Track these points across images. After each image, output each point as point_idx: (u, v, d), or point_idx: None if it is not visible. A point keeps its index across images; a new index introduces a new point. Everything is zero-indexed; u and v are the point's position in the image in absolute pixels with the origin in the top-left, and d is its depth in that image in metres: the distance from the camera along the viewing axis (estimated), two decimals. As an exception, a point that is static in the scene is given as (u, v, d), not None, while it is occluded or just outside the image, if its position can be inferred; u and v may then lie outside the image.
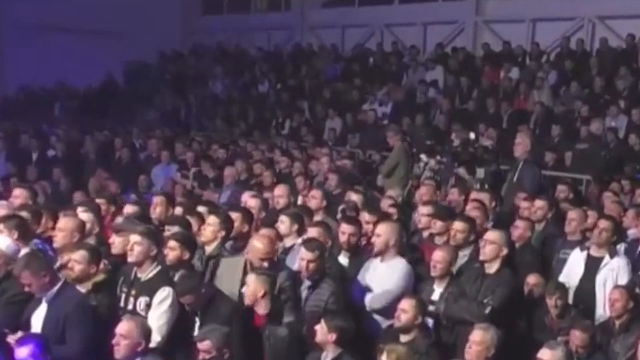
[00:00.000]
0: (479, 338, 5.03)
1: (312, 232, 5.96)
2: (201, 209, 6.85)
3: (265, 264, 5.39)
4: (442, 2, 17.20)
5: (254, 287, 5.20)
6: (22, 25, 19.31)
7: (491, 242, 5.66)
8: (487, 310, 5.41)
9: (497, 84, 14.49)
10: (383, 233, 5.83)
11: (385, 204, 7.97)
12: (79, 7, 19.37)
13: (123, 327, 4.68)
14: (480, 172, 9.03)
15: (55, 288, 4.89)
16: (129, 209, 6.49)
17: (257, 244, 5.45)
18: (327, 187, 9.77)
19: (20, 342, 4.47)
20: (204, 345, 4.65)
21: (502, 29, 16.07)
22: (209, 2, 21.95)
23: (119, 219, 6.43)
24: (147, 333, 4.71)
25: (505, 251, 5.65)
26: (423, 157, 9.70)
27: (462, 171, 9.58)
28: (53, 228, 6.39)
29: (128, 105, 17.84)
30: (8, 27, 19.67)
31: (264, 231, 5.83)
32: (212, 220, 5.86)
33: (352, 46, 17.94)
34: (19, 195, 7.00)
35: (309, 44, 18.64)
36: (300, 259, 5.53)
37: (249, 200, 7.09)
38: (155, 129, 15.28)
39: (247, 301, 5.21)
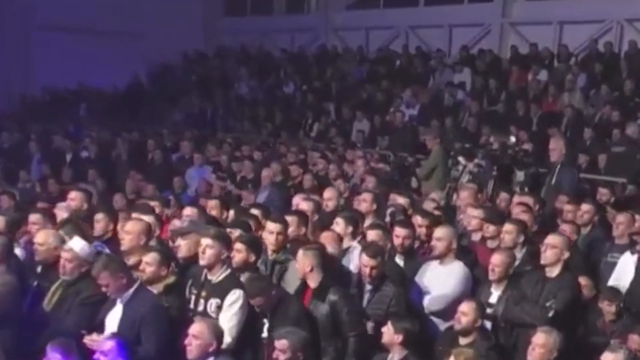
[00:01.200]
0: (542, 341, 5.11)
1: (372, 235, 6.05)
2: (255, 211, 6.95)
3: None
4: (468, 4, 17.27)
5: (302, 262, 5.39)
6: (47, 27, 19.52)
7: (553, 246, 5.74)
8: (550, 314, 5.48)
9: (525, 86, 14.54)
10: (444, 237, 5.93)
11: (429, 207, 8.07)
12: (100, 9, 19.55)
13: (195, 327, 4.78)
14: (520, 175, 9.11)
15: (131, 290, 4.99)
16: (188, 211, 6.57)
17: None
18: (364, 189, 9.93)
19: (110, 337, 4.60)
20: (280, 344, 4.74)
21: (528, 31, 16.11)
22: (231, 4, 22.06)
23: (178, 222, 6.53)
24: (218, 334, 4.80)
25: (566, 255, 5.73)
26: (461, 159, 9.77)
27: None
28: (113, 230, 6.54)
29: (154, 106, 17.99)
30: (34, 28, 19.84)
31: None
32: (273, 227, 5.92)
33: (376, 48, 18.02)
34: (75, 197, 7.11)
35: (334, 45, 18.72)
36: (362, 265, 5.62)
37: (301, 203, 7.18)
38: (183, 131, 15.41)
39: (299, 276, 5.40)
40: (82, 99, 18.97)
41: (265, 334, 5.25)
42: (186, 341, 4.78)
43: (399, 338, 5.15)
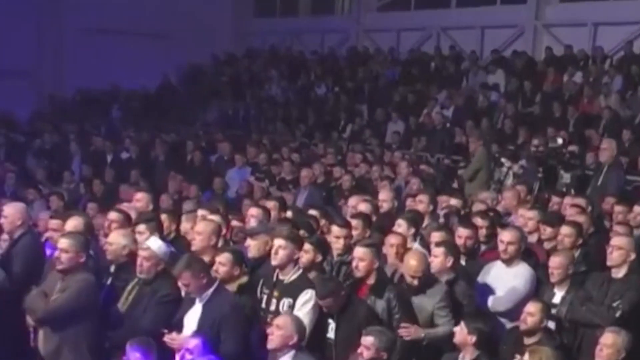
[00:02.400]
0: (610, 341, 5.14)
1: (436, 237, 6.14)
2: (313, 212, 7.05)
3: (416, 282, 5.53)
4: (500, 5, 17.28)
5: (370, 260, 5.49)
6: (78, 29, 19.74)
7: (619, 247, 5.80)
8: (617, 314, 5.54)
9: (560, 88, 14.55)
10: (515, 240, 6.01)
11: (479, 208, 8.12)
12: (131, 11, 19.73)
13: (280, 318, 4.88)
14: (567, 177, 9.16)
15: (211, 290, 5.08)
16: (253, 211, 6.67)
17: (412, 261, 5.55)
18: (408, 191, 10.01)
19: (194, 335, 4.71)
20: (366, 340, 4.79)
21: (562, 33, 16.10)
22: (260, 5, 22.17)
23: (237, 222, 6.65)
24: (301, 330, 4.87)
25: (632, 256, 5.78)
26: (505, 161, 9.82)
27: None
28: (176, 230, 6.67)
29: (186, 107, 18.14)
30: (66, 30, 20.06)
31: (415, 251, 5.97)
32: (340, 232, 6.01)
33: (407, 50, 18.07)
34: (140, 198, 7.24)
35: (365, 47, 18.79)
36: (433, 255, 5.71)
37: (360, 204, 7.26)
38: (218, 132, 15.55)
39: (360, 274, 5.48)
40: (114, 100, 19.16)
41: (331, 335, 5.33)
42: (269, 330, 4.85)
43: (473, 339, 5.18)
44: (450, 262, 5.73)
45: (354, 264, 5.56)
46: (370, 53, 18.52)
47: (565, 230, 6.43)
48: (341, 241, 5.97)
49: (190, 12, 20.08)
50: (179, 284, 5.19)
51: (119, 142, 14.66)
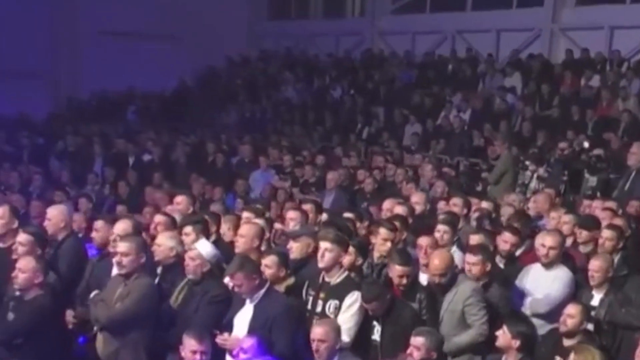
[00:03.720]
0: None
1: (475, 239, 6.22)
2: (348, 214, 7.13)
3: (443, 281, 5.60)
4: (517, 9, 17.36)
5: (400, 272, 5.59)
6: (94, 31, 19.86)
7: (658, 253, 5.90)
8: (657, 317, 5.63)
9: (577, 91, 14.61)
10: (557, 245, 6.09)
11: (508, 211, 8.21)
12: (146, 13, 19.85)
13: (319, 332, 4.94)
14: (593, 180, 9.23)
15: (262, 291, 5.16)
16: (292, 214, 6.76)
17: (435, 260, 5.64)
18: (433, 193, 10.08)
19: (249, 334, 4.81)
20: (417, 341, 4.88)
21: (578, 36, 16.17)
22: (274, 8, 22.27)
23: (279, 224, 6.74)
24: (339, 332, 4.99)
25: (671, 261, 5.88)
26: (530, 164, 9.90)
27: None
28: (216, 232, 6.76)
29: (202, 109, 18.23)
30: (82, 33, 20.18)
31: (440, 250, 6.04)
32: (388, 235, 6.11)
33: (423, 52, 18.15)
34: (181, 201, 7.33)
35: (380, 50, 18.88)
36: (467, 263, 5.79)
37: (396, 207, 7.33)
38: (236, 134, 15.63)
39: (397, 281, 5.60)
40: (130, 102, 19.26)
41: (377, 337, 5.41)
42: (313, 347, 4.93)
43: (517, 343, 5.22)
44: (488, 267, 5.79)
45: (397, 281, 5.66)
46: (385, 56, 18.60)
47: (607, 233, 6.52)
48: (388, 244, 6.05)
49: (205, 15, 20.17)
50: (231, 284, 5.27)
51: (137, 144, 14.76)
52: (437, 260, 5.57)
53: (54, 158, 13.94)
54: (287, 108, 17.62)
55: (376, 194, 10.43)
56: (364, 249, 5.88)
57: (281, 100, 18.14)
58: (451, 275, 5.62)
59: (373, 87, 17.18)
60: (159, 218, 6.43)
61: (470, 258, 5.83)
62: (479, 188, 10.68)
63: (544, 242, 6.13)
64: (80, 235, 7.84)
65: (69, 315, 5.89)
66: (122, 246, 5.36)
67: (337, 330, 5.04)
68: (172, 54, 20.03)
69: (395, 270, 5.68)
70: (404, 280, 5.65)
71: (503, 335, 5.31)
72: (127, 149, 13.91)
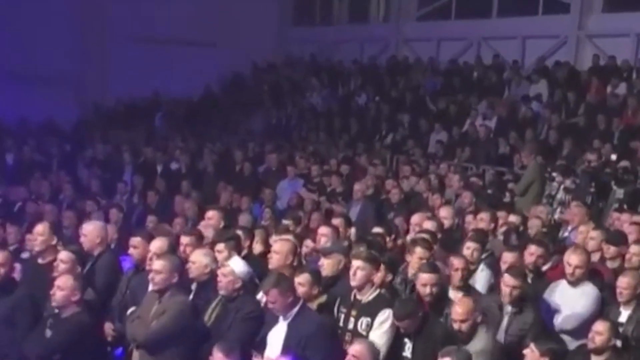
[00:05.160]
0: None
1: (508, 257, 6.29)
2: (378, 229, 7.22)
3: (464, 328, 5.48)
4: (542, 15, 17.33)
5: (437, 284, 5.71)
6: (121, 37, 20.09)
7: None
8: (686, 335, 5.66)
9: (604, 99, 14.56)
10: (583, 264, 6.14)
11: (536, 224, 8.26)
12: (172, 19, 20.03)
13: (357, 348, 5.01)
14: (620, 192, 9.25)
15: (296, 309, 5.26)
16: (323, 230, 6.86)
17: (458, 307, 5.52)
18: (460, 204, 10.13)
19: (283, 353, 4.92)
20: None
21: (605, 44, 16.12)
22: (300, 13, 22.38)
23: (311, 241, 6.84)
24: (376, 355, 5.06)
25: (698, 278, 5.89)
26: (557, 176, 9.92)
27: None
28: (249, 247, 6.88)
29: (228, 116, 18.39)
30: (109, 39, 20.43)
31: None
32: (422, 253, 6.18)
33: (448, 59, 18.18)
34: (212, 216, 7.47)
35: (405, 56, 18.93)
36: (504, 285, 5.83)
37: (425, 222, 7.41)
38: (263, 141, 15.76)
39: (427, 297, 5.67)
40: (158, 108, 19.46)
41: (408, 354, 5.48)
42: None
43: None
44: (524, 289, 5.82)
45: (425, 290, 5.73)
46: (410, 63, 18.64)
47: (634, 249, 6.58)
48: (423, 262, 6.11)
49: (232, 21, 20.31)
50: (264, 301, 5.38)
51: (165, 151, 14.94)
52: (459, 308, 5.47)
53: (83, 166, 14.14)
54: (313, 114, 17.72)
55: (403, 204, 10.52)
56: (394, 265, 5.97)
57: (306, 106, 18.25)
58: (473, 322, 5.49)
59: (398, 94, 17.23)
60: (185, 239, 6.54)
61: (511, 281, 5.83)
62: (507, 199, 10.70)
63: (570, 260, 6.19)
64: (112, 246, 8.06)
65: (108, 328, 6.05)
66: (157, 264, 5.51)
67: (374, 353, 5.10)
68: (199, 59, 20.18)
69: (422, 279, 5.77)
70: (429, 290, 5.72)
71: (531, 354, 5.33)
72: (155, 157, 14.08)
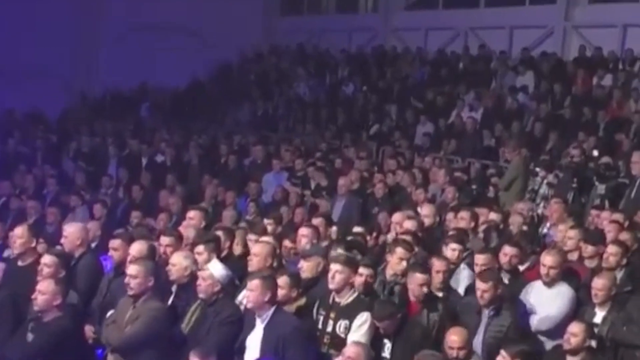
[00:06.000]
0: None
1: (480, 259, 6.34)
2: (358, 229, 7.26)
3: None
4: (530, 6, 17.33)
5: (425, 284, 5.85)
6: (111, 28, 20.00)
7: (660, 272, 5.99)
8: (659, 337, 5.73)
9: (589, 91, 14.60)
10: (556, 265, 6.20)
11: (517, 221, 8.30)
12: (160, 8, 19.92)
13: (351, 349, 5.07)
14: (601, 188, 9.30)
15: (271, 311, 5.29)
16: (304, 231, 6.88)
17: (453, 336, 5.50)
18: (444, 199, 10.17)
19: (258, 360, 4.99)
20: None
21: (591, 34, 16.15)
22: (287, 3, 22.30)
23: (289, 242, 6.88)
24: (371, 357, 5.11)
25: (672, 280, 5.96)
26: (540, 171, 9.97)
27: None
28: (230, 248, 6.91)
29: (215, 106, 18.33)
30: (99, 29, 20.33)
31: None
32: (403, 254, 6.21)
33: (435, 49, 18.16)
34: (194, 216, 7.48)
35: (393, 46, 18.90)
36: (477, 290, 5.88)
37: (406, 222, 7.45)
38: (249, 133, 15.74)
39: (418, 290, 5.80)
40: (144, 99, 19.39)
41: (387, 355, 5.55)
42: None
43: None
44: (499, 290, 5.88)
45: (417, 290, 5.84)
46: (397, 52, 18.60)
47: (612, 249, 6.61)
48: (404, 263, 6.18)
49: (218, 10, 20.20)
50: (242, 295, 5.34)
51: (151, 143, 14.90)
52: (456, 336, 5.47)
53: (68, 159, 14.10)
54: (300, 105, 17.68)
55: (387, 199, 10.55)
56: (376, 268, 6.03)
57: (293, 96, 18.21)
58: (468, 351, 5.50)
59: (386, 85, 17.21)
60: (165, 240, 6.57)
61: (481, 285, 5.88)
62: (491, 194, 10.74)
63: (544, 261, 6.25)
64: (95, 244, 8.08)
65: (89, 330, 6.08)
66: (131, 269, 5.53)
67: (369, 354, 5.14)
68: (186, 49, 20.12)
69: (417, 279, 5.86)
70: (425, 289, 5.85)
71: None
72: (141, 150, 14.04)
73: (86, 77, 20.59)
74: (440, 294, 6.13)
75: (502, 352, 5.36)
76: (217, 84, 19.87)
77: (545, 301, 6.23)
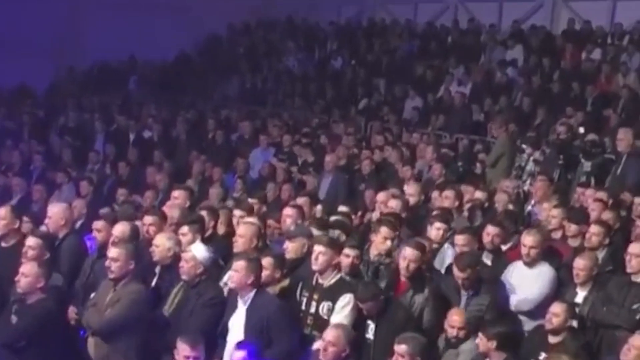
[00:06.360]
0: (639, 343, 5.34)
1: (460, 239, 6.36)
2: (343, 208, 7.26)
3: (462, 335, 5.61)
4: (520, -22, 17.25)
5: (418, 261, 5.83)
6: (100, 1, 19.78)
7: (637, 255, 5.98)
8: (638, 317, 5.77)
9: (578, 65, 14.55)
10: (536, 245, 6.23)
11: (502, 199, 8.33)
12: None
13: (331, 333, 5.09)
14: (587, 165, 9.31)
15: (252, 293, 5.31)
16: (288, 211, 6.89)
17: (455, 316, 5.64)
18: (431, 176, 10.19)
19: (238, 346, 4.98)
20: (400, 348, 5.03)
21: (581, 8, 16.08)
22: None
23: (273, 221, 6.89)
24: (352, 340, 5.14)
25: (651, 260, 5.99)
26: (526, 148, 9.98)
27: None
28: (214, 227, 6.91)
29: (204, 79, 18.19)
30: (88, 2, 20.09)
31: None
32: (387, 233, 6.21)
33: (425, 22, 18.03)
34: (178, 196, 7.47)
35: (382, 18, 18.76)
36: (456, 276, 5.92)
37: (390, 200, 7.44)
38: (237, 107, 15.66)
39: (405, 264, 5.79)
40: (132, 72, 19.24)
41: (370, 336, 5.59)
42: (322, 346, 5.10)
43: (494, 344, 5.36)
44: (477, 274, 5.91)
45: (403, 264, 5.82)
46: (386, 24, 18.46)
47: (594, 229, 6.63)
48: (388, 242, 6.18)
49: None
50: (227, 276, 5.34)
51: (139, 118, 14.82)
52: (456, 316, 5.58)
53: (55, 134, 14.02)
54: (289, 79, 17.57)
55: (374, 175, 10.55)
56: (362, 249, 6.06)
57: (282, 70, 18.09)
58: (468, 331, 5.60)
59: (375, 58, 17.10)
60: (148, 219, 6.57)
61: (459, 273, 5.91)
62: (478, 170, 10.76)
63: (525, 241, 6.28)
64: (80, 222, 8.08)
65: (72, 311, 6.09)
66: (112, 252, 5.54)
67: (350, 338, 5.18)
68: (176, 22, 19.93)
69: (407, 252, 5.84)
70: (412, 265, 5.82)
71: (480, 342, 5.43)
72: (128, 126, 13.97)
73: (74, 51, 20.38)
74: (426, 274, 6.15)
75: (480, 334, 5.43)
76: (205, 57, 19.71)
77: (527, 281, 6.27)
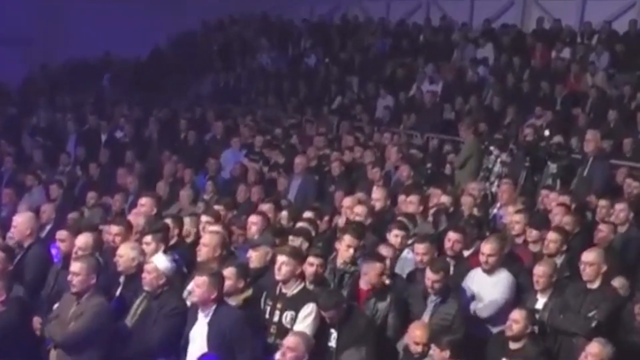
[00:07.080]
0: (596, 350, 5.34)
1: (420, 248, 6.44)
2: (309, 214, 7.32)
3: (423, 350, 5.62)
4: (492, -24, 17.34)
5: (379, 273, 5.94)
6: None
7: (590, 264, 6.07)
8: (594, 324, 5.88)
9: (548, 64, 14.67)
10: (494, 252, 6.32)
11: (468, 202, 8.42)
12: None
13: (291, 340, 5.17)
14: (553, 168, 9.44)
15: (214, 306, 5.34)
16: (253, 218, 6.92)
17: (417, 331, 5.64)
18: (399, 177, 10.25)
19: (201, 359, 5.03)
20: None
21: (551, 6, 16.21)
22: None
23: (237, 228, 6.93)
24: (310, 346, 5.22)
25: (604, 268, 6.07)
26: (494, 149, 10.09)
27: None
28: (179, 235, 6.95)
29: (177, 76, 18.12)
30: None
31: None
32: (352, 242, 6.25)
33: (397, 20, 18.09)
34: (145, 203, 7.48)
35: (355, 16, 18.79)
36: (427, 279, 6.01)
37: (356, 206, 7.49)
38: (210, 106, 15.62)
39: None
40: (106, 69, 19.11)
41: (332, 344, 5.65)
42: (280, 352, 5.18)
43: (447, 353, 5.46)
44: (445, 279, 6.00)
45: (365, 278, 5.93)
46: (359, 22, 18.49)
47: (551, 236, 6.72)
48: (351, 251, 6.24)
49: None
50: (191, 285, 5.40)
51: (111, 118, 14.74)
52: (419, 331, 5.62)
53: (27, 134, 13.92)
54: (262, 77, 17.55)
55: (344, 177, 10.59)
56: (327, 257, 6.12)
57: (256, 67, 18.06)
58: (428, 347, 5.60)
59: (348, 56, 17.13)
60: (114, 229, 6.59)
61: (432, 275, 5.99)
62: (447, 171, 10.86)
63: (483, 250, 6.38)
64: (49, 226, 8.07)
65: (37, 322, 6.09)
66: (74, 266, 5.53)
67: (309, 344, 5.26)
68: (150, 18, 19.82)
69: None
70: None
71: (435, 353, 5.51)
72: (100, 127, 13.90)
73: (47, 46, 20.22)
74: (387, 281, 6.24)
75: (433, 347, 5.51)
76: (179, 55, 19.62)
77: (486, 288, 6.37)
